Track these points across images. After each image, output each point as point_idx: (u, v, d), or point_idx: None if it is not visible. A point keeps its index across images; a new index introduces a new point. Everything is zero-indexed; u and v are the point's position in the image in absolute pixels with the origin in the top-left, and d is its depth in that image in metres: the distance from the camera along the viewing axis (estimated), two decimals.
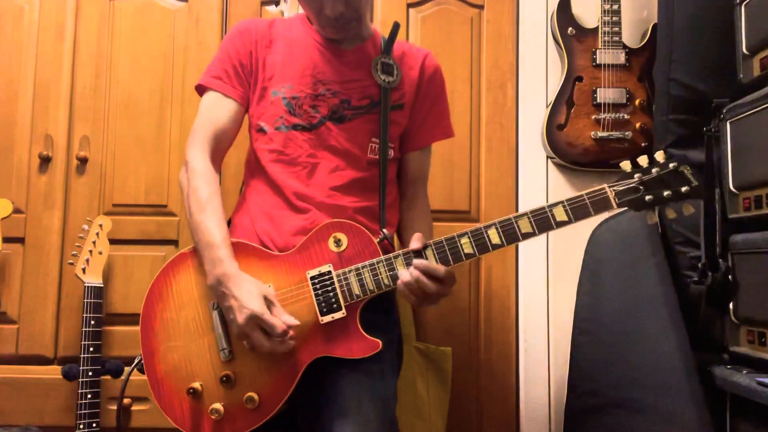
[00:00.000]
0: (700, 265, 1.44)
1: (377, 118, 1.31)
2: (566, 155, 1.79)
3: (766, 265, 1.28)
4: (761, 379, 1.21)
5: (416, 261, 1.15)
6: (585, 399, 1.54)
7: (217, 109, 1.31)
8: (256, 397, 1.16)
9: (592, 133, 1.76)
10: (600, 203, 1.13)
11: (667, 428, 1.36)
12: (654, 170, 1.13)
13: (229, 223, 1.33)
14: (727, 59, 1.47)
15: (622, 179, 1.15)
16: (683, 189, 1.12)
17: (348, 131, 1.29)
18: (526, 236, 1.14)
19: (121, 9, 1.88)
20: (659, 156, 1.15)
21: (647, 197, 1.13)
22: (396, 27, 1.35)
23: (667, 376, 1.39)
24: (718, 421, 1.35)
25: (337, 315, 1.17)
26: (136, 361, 1.27)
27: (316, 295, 1.18)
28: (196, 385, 1.18)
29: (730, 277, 1.38)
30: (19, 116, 1.84)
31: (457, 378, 1.73)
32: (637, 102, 1.77)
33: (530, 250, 1.83)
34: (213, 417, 1.16)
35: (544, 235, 1.81)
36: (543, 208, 1.14)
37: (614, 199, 1.13)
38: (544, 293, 1.83)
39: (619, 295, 1.52)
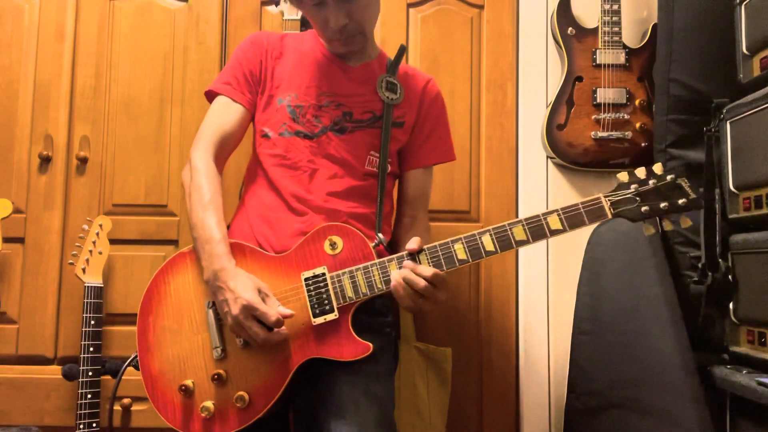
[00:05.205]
0: (700, 265, 1.44)
1: (377, 133, 1.34)
2: (566, 155, 1.79)
3: (766, 265, 1.28)
4: (761, 379, 1.21)
5: (405, 262, 1.15)
6: (585, 399, 1.54)
7: (225, 113, 1.34)
8: (246, 396, 1.16)
9: (592, 133, 1.76)
10: (595, 212, 1.13)
11: (667, 428, 1.36)
12: (651, 182, 1.13)
13: (228, 228, 1.34)
14: (727, 59, 1.47)
15: (619, 189, 1.14)
16: (680, 201, 1.12)
17: (347, 142, 1.32)
18: (520, 244, 1.14)
19: (121, 9, 1.88)
20: (657, 168, 1.14)
21: (643, 208, 1.13)
22: (402, 49, 1.40)
23: (667, 376, 1.39)
24: (718, 421, 1.35)
25: (330, 317, 1.17)
26: (131, 357, 1.28)
27: (309, 297, 1.19)
28: (188, 382, 1.19)
29: (730, 277, 1.38)
30: (19, 116, 1.83)
31: (457, 378, 1.73)
32: (637, 102, 1.77)
33: (530, 250, 1.83)
34: (203, 415, 1.17)
35: None
36: (537, 216, 1.14)
37: (609, 209, 1.13)
38: (544, 293, 1.83)
39: (620, 295, 1.52)
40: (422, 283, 1.12)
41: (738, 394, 1.28)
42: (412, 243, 1.17)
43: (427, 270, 1.13)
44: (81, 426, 1.57)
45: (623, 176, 1.15)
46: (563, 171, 1.85)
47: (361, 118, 1.33)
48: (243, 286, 1.14)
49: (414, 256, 1.17)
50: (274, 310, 1.14)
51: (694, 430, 1.33)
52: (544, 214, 1.14)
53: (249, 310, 1.13)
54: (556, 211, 1.14)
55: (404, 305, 1.17)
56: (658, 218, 1.14)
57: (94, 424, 1.59)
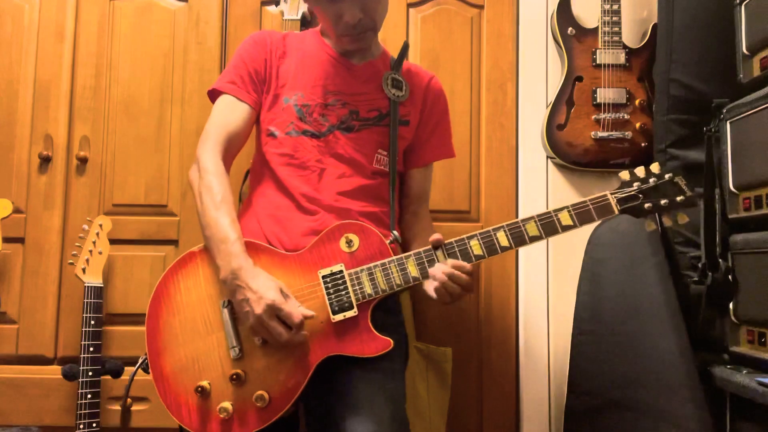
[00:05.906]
0: (700, 265, 1.44)
1: (384, 131, 1.35)
2: (566, 155, 1.79)
3: (766, 265, 1.28)
4: (761, 379, 1.21)
5: (449, 261, 1.18)
6: (585, 399, 1.54)
7: (231, 112, 1.33)
8: (266, 395, 1.16)
9: (592, 133, 1.76)
10: (603, 209, 1.20)
11: (667, 428, 1.36)
12: (651, 180, 1.20)
13: None
14: (727, 59, 1.47)
15: (622, 188, 1.21)
16: (678, 198, 1.19)
17: (355, 141, 1.32)
18: (534, 239, 1.20)
19: (121, 9, 1.88)
20: (654, 167, 1.22)
21: (646, 205, 1.20)
22: (405, 46, 1.41)
23: (667, 376, 1.39)
24: (718, 421, 1.35)
25: (349, 314, 1.18)
26: (141, 360, 1.27)
27: (328, 294, 1.19)
28: (204, 383, 1.18)
29: (730, 277, 1.38)
30: (19, 116, 1.83)
31: (457, 378, 1.72)
32: (637, 102, 1.77)
33: (530, 250, 1.83)
34: (222, 416, 1.16)
35: None
36: (549, 212, 1.19)
37: (616, 205, 1.19)
38: (544, 293, 1.83)
39: (619, 295, 1.52)
40: (466, 277, 1.17)
41: (738, 394, 1.28)
42: (435, 237, 1.19)
43: (465, 264, 1.17)
44: (81, 426, 1.57)
45: (625, 175, 1.22)
46: (563, 171, 1.85)
47: (367, 116, 1.34)
48: (265, 287, 1.14)
49: (432, 251, 1.19)
50: (297, 311, 1.14)
51: (694, 430, 1.33)
52: (555, 211, 1.20)
53: (274, 311, 1.13)
54: (567, 207, 1.20)
55: (444, 301, 1.19)
56: (657, 214, 1.21)
57: (94, 424, 1.59)
